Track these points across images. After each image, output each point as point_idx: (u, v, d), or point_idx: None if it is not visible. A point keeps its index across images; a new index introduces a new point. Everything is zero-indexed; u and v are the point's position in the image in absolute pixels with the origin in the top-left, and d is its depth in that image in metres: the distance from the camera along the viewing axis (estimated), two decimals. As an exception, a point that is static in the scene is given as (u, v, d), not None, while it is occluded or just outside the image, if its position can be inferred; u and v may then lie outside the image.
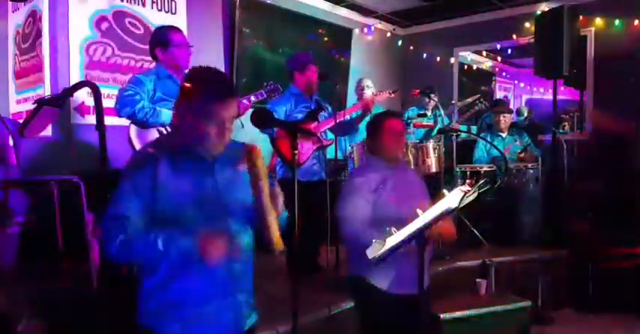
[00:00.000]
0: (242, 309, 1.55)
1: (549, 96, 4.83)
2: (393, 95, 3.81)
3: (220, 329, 1.51)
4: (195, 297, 1.46)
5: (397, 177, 2.26)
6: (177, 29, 2.83)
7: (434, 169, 3.76)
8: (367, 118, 3.90)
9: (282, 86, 3.29)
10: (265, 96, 3.03)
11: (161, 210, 1.42)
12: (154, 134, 2.66)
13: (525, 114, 6.09)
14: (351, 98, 5.23)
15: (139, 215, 1.42)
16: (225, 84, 1.51)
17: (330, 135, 3.48)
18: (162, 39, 2.77)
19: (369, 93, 4.38)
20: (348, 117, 3.50)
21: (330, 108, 3.53)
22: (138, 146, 2.68)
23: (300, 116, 3.32)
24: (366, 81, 4.61)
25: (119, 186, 1.45)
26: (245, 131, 3.39)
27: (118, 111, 2.69)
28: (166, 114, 2.64)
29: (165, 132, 2.68)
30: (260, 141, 3.38)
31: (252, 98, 2.92)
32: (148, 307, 1.48)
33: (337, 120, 3.31)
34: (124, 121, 2.77)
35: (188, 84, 1.48)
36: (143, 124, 2.68)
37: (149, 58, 3.91)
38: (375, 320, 2.23)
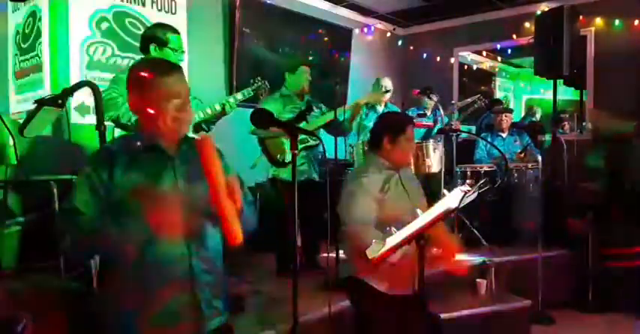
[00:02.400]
0: (202, 310, 1.46)
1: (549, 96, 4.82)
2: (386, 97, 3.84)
3: (180, 329, 1.44)
4: (152, 296, 1.40)
5: (400, 177, 2.27)
6: (177, 31, 2.78)
7: (434, 169, 3.76)
8: (357, 119, 3.94)
9: (277, 85, 3.30)
10: (252, 94, 2.98)
11: (117, 205, 1.38)
12: None
13: (538, 116, 6.09)
14: (352, 98, 5.23)
15: (92, 210, 1.38)
16: (163, 61, 1.53)
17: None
18: (161, 38, 2.70)
19: (387, 95, 4.42)
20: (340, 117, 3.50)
21: (324, 108, 3.55)
22: None
23: (288, 116, 3.34)
24: (385, 81, 4.59)
25: (76, 181, 1.43)
26: (232, 130, 3.37)
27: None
28: None
29: None
30: (249, 140, 3.41)
31: (239, 96, 2.85)
32: (108, 306, 1.46)
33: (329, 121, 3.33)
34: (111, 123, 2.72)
35: (129, 77, 1.48)
36: (127, 128, 2.53)
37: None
38: (372, 321, 2.22)
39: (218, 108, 2.72)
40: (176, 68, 1.49)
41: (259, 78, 3.02)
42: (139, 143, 1.46)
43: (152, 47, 2.69)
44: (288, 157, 3.24)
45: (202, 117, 2.71)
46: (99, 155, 1.49)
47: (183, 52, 2.77)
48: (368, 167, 2.27)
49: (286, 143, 3.24)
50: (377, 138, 2.28)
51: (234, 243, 1.34)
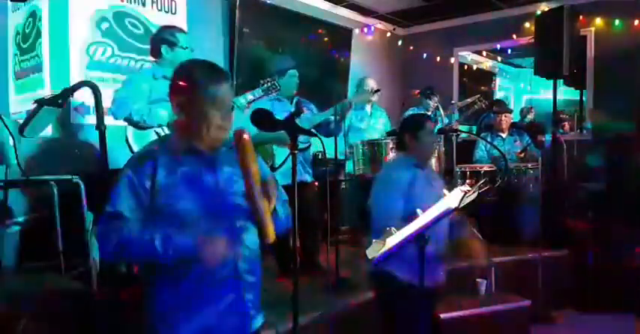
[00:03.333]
0: (248, 310, 1.50)
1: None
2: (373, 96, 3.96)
3: (227, 329, 1.47)
4: (200, 297, 1.43)
5: (426, 175, 2.35)
6: (184, 31, 2.86)
7: (434, 169, 3.76)
8: (347, 120, 3.96)
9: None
10: (263, 93, 3.01)
11: (161, 209, 1.39)
12: (151, 135, 2.65)
13: (529, 117, 6.09)
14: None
15: (136, 214, 1.39)
16: (216, 68, 1.49)
17: (305, 139, 3.47)
18: (171, 38, 2.78)
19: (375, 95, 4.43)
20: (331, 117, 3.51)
21: (315, 109, 3.56)
22: (135, 148, 2.67)
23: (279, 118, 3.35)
24: (369, 81, 4.59)
25: (117, 185, 1.42)
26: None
27: (114, 114, 2.67)
28: (163, 114, 2.63)
29: (162, 133, 2.67)
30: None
31: (249, 96, 2.90)
32: (155, 307, 1.46)
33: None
34: (124, 122, 2.77)
35: (180, 77, 1.46)
36: (140, 126, 2.67)
37: (149, 58, 3.89)
38: (398, 312, 2.27)
39: None
40: (228, 77, 1.48)
41: (270, 78, 3.05)
42: (179, 145, 1.46)
43: (164, 49, 2.77)
44: (277, 162, 3.31)
45: None
46: (141, 158, 1.46)
47: (192, 50, 2.83)
48: (397, 164, 2.40)
49: (276, 149, 3.30)
50: (400, 139, 2.46)
51: (266, 241, 1.37)
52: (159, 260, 1.36)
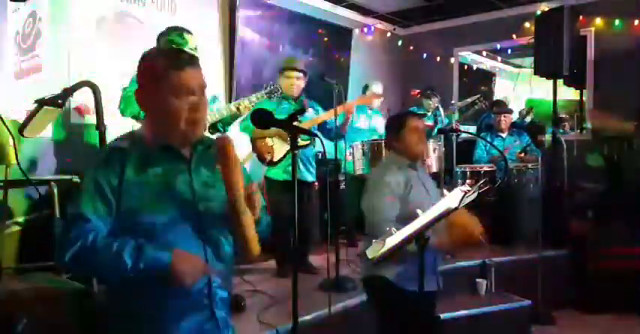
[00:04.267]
0: (220, 324, 1.34)
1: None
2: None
3: None
4: (169, 311, 1.27)
5: (419, 176, 2.31)
6: (191, 32, 2.86)
7: (434, 169, 3.76)
8: (350, 123, 3.98)
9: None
10: (266, 97, 3.05)
11: (128, 212, 1.23)
12: None
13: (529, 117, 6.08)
14: (352, 98, 5.23)
15: (102, 218, 1.22)
16: (180, 51, 1.37)
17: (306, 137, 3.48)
18: (178, 39, 2.79)
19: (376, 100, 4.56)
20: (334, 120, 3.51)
21: (319, 109, 3.57)
22: None
23: (282, 117, 3.35)
24: (376, 85, 4.66)
25: (82, 185, 1.26)
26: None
27: (122, 111, 2.68)
28: None
29: None
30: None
31: (254, 98, 2.93)
32: (118, 319, 1.31)
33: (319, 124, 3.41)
34: (125, 122, 2.77)
35: (138, 67, 1.32)
36: None
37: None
38: (392, 317, 2.24)
39: (233, 108, 2.80)
40: (192, 60, 1.31)
41: (272, 82, 3.08)
42: (151, 140, 1.31)
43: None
44: (277, 157, 3.34)
45: (218, 117, 2.74)
46: (108, 154, 1.29)
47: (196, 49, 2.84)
48: (389, 165, 2.32)
49: (276, 143, 3.34)
50: (387, 140, 2.43)
51: (251, 254, 1.25)
52: (125, 273, 1.17)
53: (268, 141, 3.34)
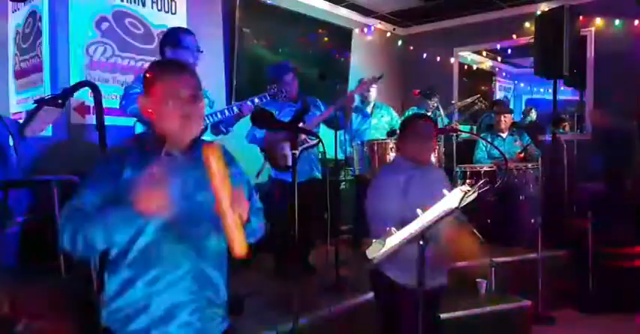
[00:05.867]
0: (210, 316, 1.43)
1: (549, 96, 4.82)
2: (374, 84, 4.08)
3: None
4: (159, 301, 1.35)
5: (423, 176, 2.29)
6: (189, 32, 2.85)
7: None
8: (354, 113, 3.98)
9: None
10: (269, 99, 3.05)
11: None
12: None
13: (533, 117, 6.08)
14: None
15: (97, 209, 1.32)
16: (174, 61, 1.49)
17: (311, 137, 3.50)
18: (173, 39, 2.79)
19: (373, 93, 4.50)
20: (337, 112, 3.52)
21: (323, 107, 3.57)
22: None
23: (287, 119, 3.35)
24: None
25: (83, 181, 1.38)
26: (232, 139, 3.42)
27: (124, 109, 2.68)
28: None
29: None
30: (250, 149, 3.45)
31: (256, 100, 2.93)
32: (111, 309, 1.39)
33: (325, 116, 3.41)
34: (125, 121, 2.77)
35: (144, 75, 1.45)
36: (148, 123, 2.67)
37: (149, 58, 3.89)
38: (395, 315, 2.24)
39: (235, 109, 2.80)
40: (185, 68, 1.44)
41: (275, 85, 3.08)
42: (152, 144, 1.41)
43: (167, 49, 2.79)
44: (291, 161, 3.30)
45: (219, 118, 2.75)
46: (111, 154, 1.44)
47: (200, 51, 2.82)
48: (393, 167, 2.36)
49: (287, 147, 3.30)
50: (395, 142, 2.52)
51: (237, 254, 1.29)
52: (107, 235, 1.27)
53: (280, 146, 3.33)
